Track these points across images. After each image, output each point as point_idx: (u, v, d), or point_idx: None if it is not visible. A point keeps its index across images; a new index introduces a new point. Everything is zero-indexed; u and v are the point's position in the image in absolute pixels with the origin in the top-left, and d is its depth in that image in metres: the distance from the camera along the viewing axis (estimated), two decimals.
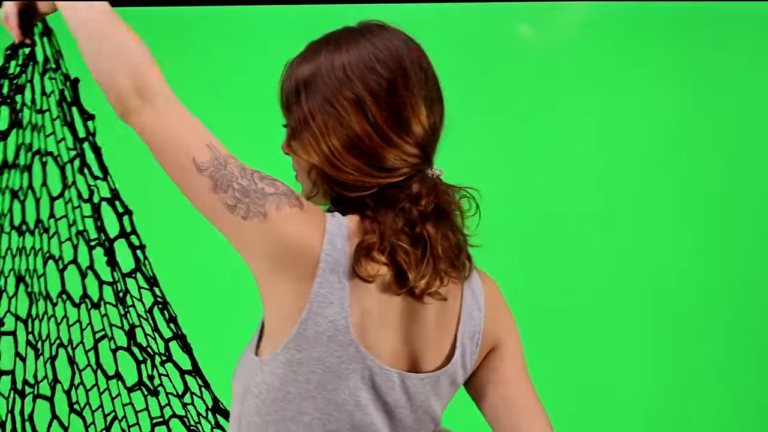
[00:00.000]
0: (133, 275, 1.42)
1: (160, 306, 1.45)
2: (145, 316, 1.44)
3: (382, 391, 1.10)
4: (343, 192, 1.11)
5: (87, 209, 1.38)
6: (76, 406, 1.44)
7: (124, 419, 1.48)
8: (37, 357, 1.40)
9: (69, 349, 1.42)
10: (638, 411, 2.67)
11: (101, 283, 1.42)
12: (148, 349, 1.45)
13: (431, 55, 1.14)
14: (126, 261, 1.42)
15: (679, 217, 2.68)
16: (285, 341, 1.07)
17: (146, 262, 1.44)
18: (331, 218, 1.08)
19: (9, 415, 1.36)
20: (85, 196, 1.38)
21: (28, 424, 1.38)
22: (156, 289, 1.45)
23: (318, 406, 1.08)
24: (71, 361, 1.43)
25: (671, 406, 2.68)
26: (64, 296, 1.43)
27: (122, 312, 1.42)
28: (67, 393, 1.43)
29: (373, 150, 1.09)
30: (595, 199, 2.67)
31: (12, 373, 1.38)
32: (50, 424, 1.43)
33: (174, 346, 1.47)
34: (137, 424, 1.49)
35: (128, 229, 1.41)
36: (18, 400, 1.38)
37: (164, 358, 1.46)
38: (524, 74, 2.66)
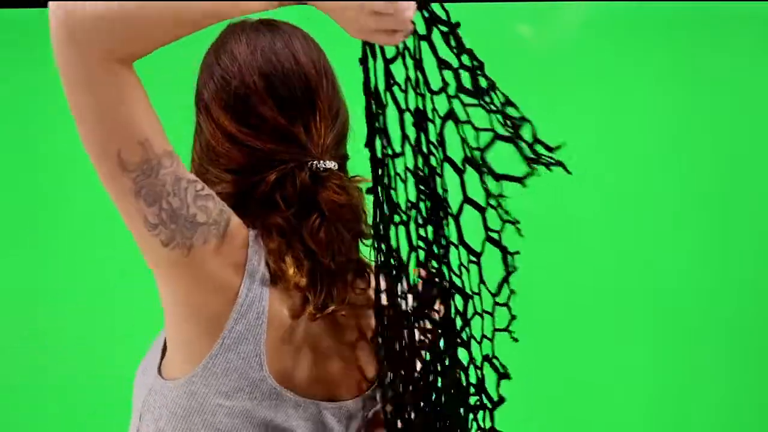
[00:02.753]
0: None
1: None
2: None
3: (296, 426, 1.03)
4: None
5: None
6: None
7: None
8: None
9: None
10: (638, 411, 2.67)
11: None
12: None
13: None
14: None
15: (679, 217, 2.68)
16: (190, 373, 1.01)
17: None
18: (252, 243, 1.00)
19: None
20: None
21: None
22: None
23: None
24: None
25: (671, 406, 2.67)
26: None
27: None
28: None
29: (225, 151, 1.03)
30: (595, 199, 2.67)
31: None
32: None
33: None
34: None
35: None
36: None
37: None
38: (524, 74, 2.66)
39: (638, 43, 2.67)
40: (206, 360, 0.99)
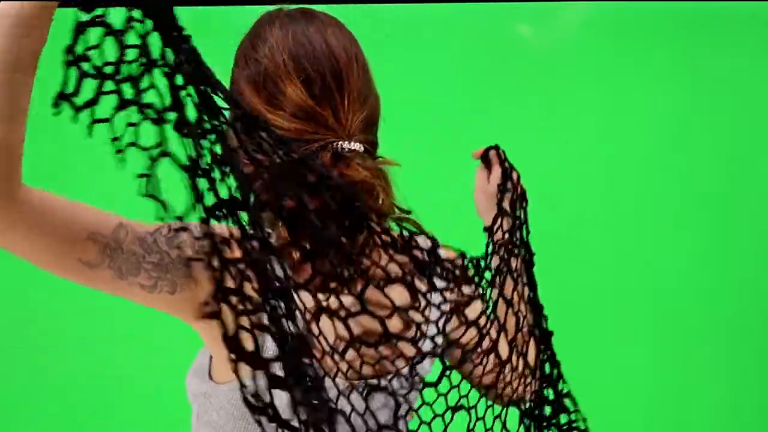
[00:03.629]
0: None
1: None
2: None
3: (347, 409, 1.02)
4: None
5: None
6: None
7: None
8: None
9: None
10: (638, 411, 2.67)
11: None
12: None
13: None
14: None
15: (679, 217, 2.68)
16: (233, 381, 1.01)
17: None
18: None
19: None
20: None
21: None
22: None
23: None
24: None
25: (671, 406, 2.67)
26: None
27: None
28: None
29: None
30: (595, 199, 2.67)
31: None
32: None
33: None
34: None
35: None
36: None
37: None
38: (524, 74, 2.66)
39: (638, 43, 2.67)
40: None
